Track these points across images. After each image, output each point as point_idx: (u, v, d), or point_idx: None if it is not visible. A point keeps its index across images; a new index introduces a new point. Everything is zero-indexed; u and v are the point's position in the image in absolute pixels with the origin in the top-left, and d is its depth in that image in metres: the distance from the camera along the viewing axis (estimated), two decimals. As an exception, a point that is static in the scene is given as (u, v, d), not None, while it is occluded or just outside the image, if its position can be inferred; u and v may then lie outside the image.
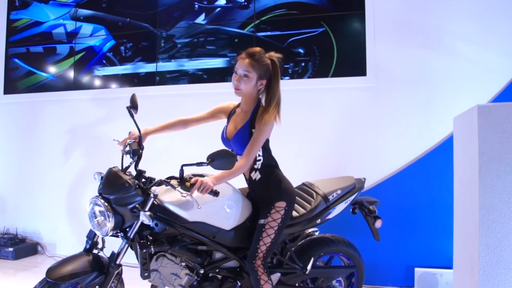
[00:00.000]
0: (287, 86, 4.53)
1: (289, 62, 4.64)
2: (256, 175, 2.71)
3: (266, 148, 2.73)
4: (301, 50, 4.61)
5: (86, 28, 5.41)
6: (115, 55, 5.27)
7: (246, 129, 2.64)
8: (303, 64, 4.60)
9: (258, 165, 2.70)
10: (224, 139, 2.78)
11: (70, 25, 5.48)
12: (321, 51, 4.57)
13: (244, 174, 2.80)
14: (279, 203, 2.64)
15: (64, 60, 5.49)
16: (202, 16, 4.94)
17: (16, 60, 5.69)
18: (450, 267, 3.96)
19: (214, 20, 4.91)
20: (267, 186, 2.70)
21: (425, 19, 4.30)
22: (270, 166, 2.74)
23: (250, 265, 2.59)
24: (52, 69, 5.54)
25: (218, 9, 4.91)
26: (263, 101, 2.70)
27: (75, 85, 5.41)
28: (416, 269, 4.07)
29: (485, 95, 4.07)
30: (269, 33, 4.71)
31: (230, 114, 2.85)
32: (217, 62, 4.88)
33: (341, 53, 4.51)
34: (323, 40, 4.56)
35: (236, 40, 4.81)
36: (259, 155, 2.68)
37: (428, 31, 4.28)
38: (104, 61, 5.32)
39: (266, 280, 2.57)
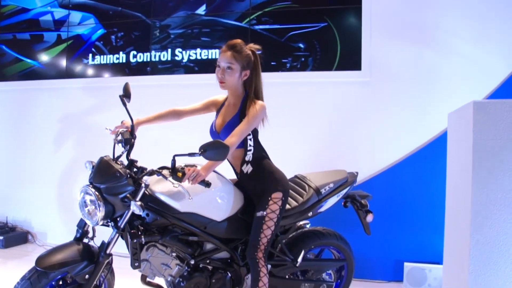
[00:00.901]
0: (281, 79, 4.54)
1: (288, 56, 4.61)
2: (247, 168, 2.69)
3: (257, 140, 2.72)
4: (301, 45, 4.57)
5: (75, 16, 5.35)
6: (105, 44, 5.22)
7: (237, 121, 2.62)
8: (302, 59, 4.56)
9: (250, 156, 2.68)
10: (213, 132, 2.76)
11: (58, 13, 5.41)
12: (322, 45, 4.54)
13: (234, 168, 2.78)
14: (276, 194, 2.63)
15: (51, 48, 5.43)
16: (203, 7, 4.89)
17: (3, 47, 5.63)
18: (439, 263, 3.97)
19: (213, 11, 4.86)
20: (260, 178, 2.68)
21: (422, 16, 4.29)
22: (260, 157, 2.73)
23: (251, 256, 2.59)
24: (39, 57, 5.49)
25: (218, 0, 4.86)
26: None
27: (66, 74, 5.36)
28: (406, 264, 4.08)
29: (480, 92, 4.07)
30: (267, 26, 4.67)
31: (219, 107, 2.85)
32: (210, 54, 4.84)
33: (344, 48, 4.48)
34: (325, 35, 4.52)
35: (232, 32, 4.76)
36: (250, 145, 2.66)
37: (424, 27, 4.28)
38: (93, 49, 5.26)
39: (265, 273, 2.58)
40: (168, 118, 2.89)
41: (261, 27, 4.69)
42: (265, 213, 2.60)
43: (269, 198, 2.63)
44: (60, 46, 5.40)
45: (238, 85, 2.67)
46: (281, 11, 4.64)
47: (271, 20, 4.66)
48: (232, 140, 2.48)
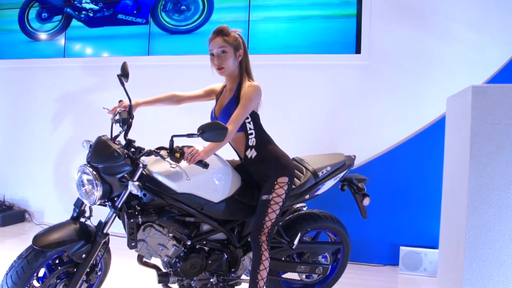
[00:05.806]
0: (279, 61, 4.51)
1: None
2: (251, 153, 2.68)
3: (257, 123, 2.69)
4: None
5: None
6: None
7: (233, 104, 2.60)
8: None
9: (253, 141, 2.67)
10: (213, 118, 2.75)
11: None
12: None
13: (238, 153, 2.77)
14: (282, 179, 2.63)
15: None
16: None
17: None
18: (434, 247, 4.01)
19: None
20: (266, 162, 2.67)
21: (422, 0, 4.26)
22: (264, 142, 2.71)
23: (255, 240, 2.59)
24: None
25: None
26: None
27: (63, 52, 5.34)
28: (401, 248, 4.11)
29: (480, 77, 4.06)
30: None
31: (218, 95, 2.84)
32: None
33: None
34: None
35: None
36: (250, 129, 2.65)
37: (425, 12, 4.25)
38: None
39: (267, 256, 2.58)
40: (167, 102, 2.87)
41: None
42: (270, 197, 2.61)
43: (275, 183, 2.62)
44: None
45: (235, 67, 2.65)
46: None
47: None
48: (230, 127, 2.44)
